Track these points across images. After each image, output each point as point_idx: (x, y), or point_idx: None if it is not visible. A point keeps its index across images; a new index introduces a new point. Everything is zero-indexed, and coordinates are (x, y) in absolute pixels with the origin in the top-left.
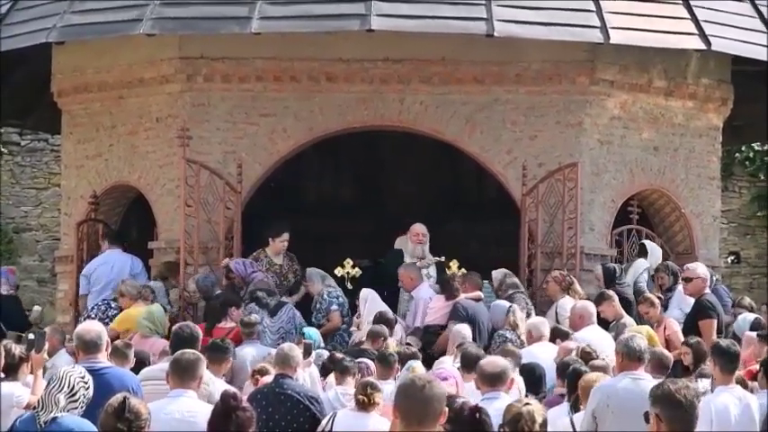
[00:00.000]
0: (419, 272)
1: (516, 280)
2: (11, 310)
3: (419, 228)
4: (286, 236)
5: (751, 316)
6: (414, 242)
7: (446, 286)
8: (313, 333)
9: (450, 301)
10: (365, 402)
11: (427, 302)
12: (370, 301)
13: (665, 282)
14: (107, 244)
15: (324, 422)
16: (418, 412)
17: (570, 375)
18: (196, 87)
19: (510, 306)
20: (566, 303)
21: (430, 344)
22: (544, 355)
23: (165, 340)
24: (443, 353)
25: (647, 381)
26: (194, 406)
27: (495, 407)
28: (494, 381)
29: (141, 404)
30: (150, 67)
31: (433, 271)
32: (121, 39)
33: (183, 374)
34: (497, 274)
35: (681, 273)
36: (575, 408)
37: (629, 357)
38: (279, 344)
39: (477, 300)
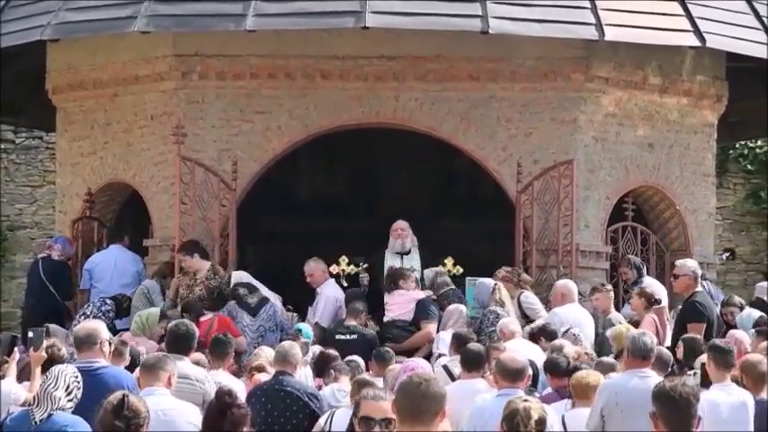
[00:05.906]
0: (326, 267)
1: (447, 278)
2: (59, 275)
3: (400, 223)
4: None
5: (756, 313)
6: (395, 237)
7: (395, 280)
8: (305, 329)
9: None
10: None
11: (330, 299)
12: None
13: (628, 276)
14: (107, 241)
15: (321, 420)
16: (412, 409)
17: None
18: (191, 85)
19: (495, 284)
20: (528, 296)
21: (396, 338)
22: (523, 352)
23: (152, 342)
24: (413, 351)
25: (654, 379)
26: (167, 403)
27: None
28: (514, 377)
29: (140, 402)
30: (145, 64)
31: (417, 265)
32: (116, 36)
33: (152, 372)
34: (429, 272)
35: (643, 267)
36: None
37: (637, 355)
38: (259, 342)
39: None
